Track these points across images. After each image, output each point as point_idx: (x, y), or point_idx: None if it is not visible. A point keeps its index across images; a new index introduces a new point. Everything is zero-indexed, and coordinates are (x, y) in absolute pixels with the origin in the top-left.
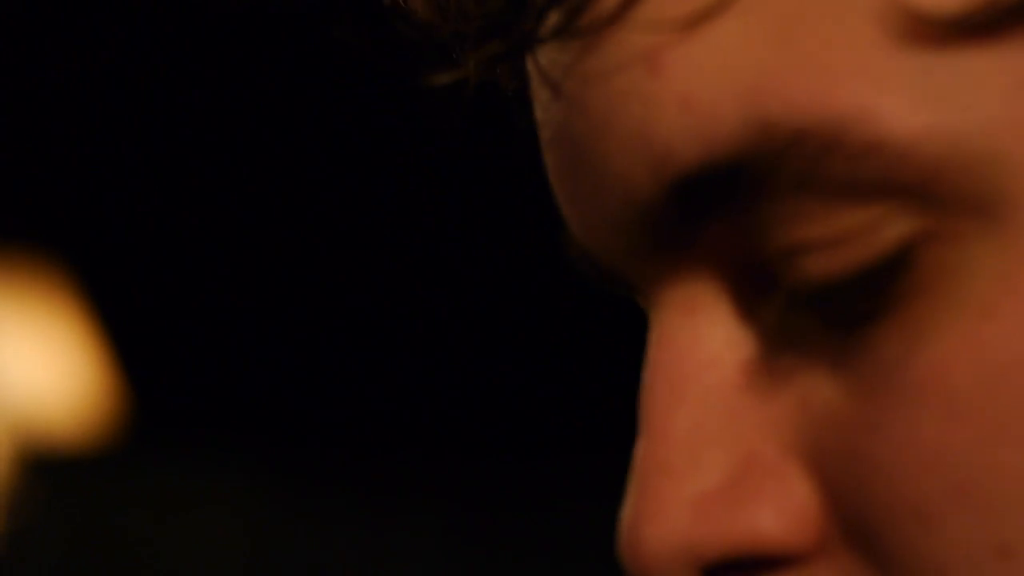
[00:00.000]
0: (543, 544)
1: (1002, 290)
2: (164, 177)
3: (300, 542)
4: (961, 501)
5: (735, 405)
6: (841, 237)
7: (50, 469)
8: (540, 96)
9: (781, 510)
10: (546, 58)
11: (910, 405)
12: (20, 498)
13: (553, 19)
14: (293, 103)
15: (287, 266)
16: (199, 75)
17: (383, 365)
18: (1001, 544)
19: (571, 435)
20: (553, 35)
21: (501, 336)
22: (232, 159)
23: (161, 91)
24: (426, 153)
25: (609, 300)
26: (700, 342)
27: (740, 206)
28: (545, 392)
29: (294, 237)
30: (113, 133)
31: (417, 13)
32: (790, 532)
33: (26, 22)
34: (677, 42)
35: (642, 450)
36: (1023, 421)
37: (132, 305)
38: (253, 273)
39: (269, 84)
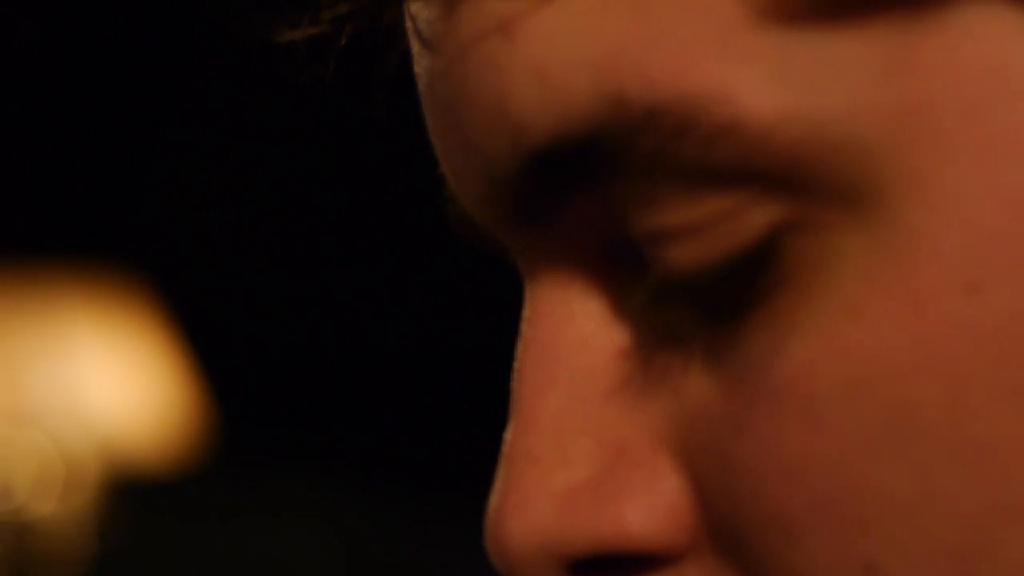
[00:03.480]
0: None
1: (870, 289)
2: (246, 190)
3: (395, 547)
4: (823, 515)
5: (607, 391)
6: (702, 224)
7: (138, 490)
8: (412, 46)
9: (649, 506)
10: (414, 8)
11: (773, 409)
12: (109, 520)
13: None
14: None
15: (371, 273)
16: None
17: (477, 369)
18: (866, 561)
19: None
20: None
21: None
22: (315, 173)
23: (229, 108)
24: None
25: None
26: (573, 321)
27: (598, 184)
28: None
29: (373, 248)
30: (193, 149)
31: None
32: (658, 530)
33: (110, 48)
34: (533, 8)
35: (510, 435)
36: (886, 435)
37: (215, 321)
38: (336, 283)
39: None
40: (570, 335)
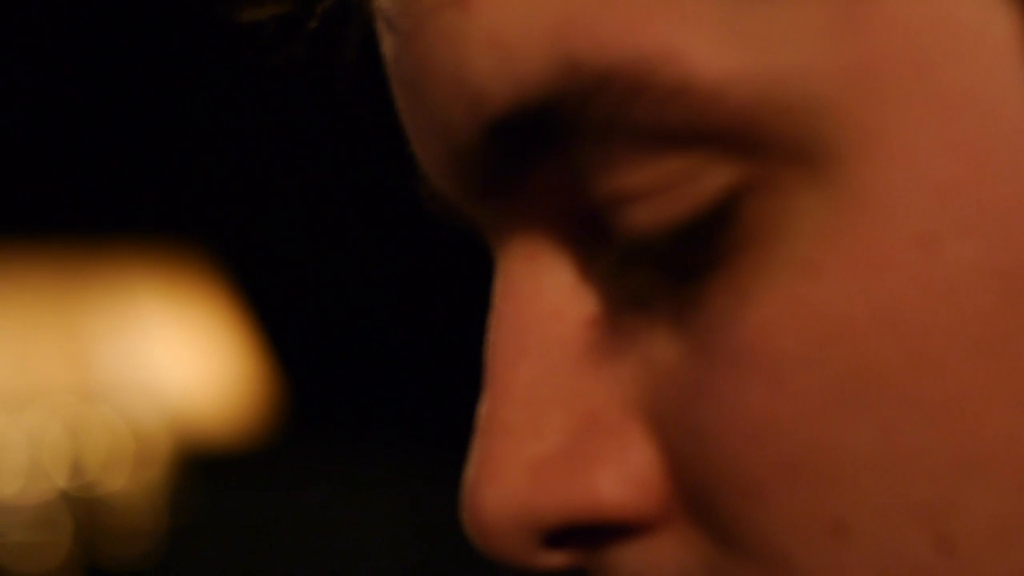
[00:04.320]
0: None
1: (827, 247)
2: (313, 164)
3: None
4: (789, 476)
5: (578, 360)
6: (660, 186)
7: (208, 464)
8: (378, 27)
9: (621, 475)
10: None
11: (736, 371)
12: (179, 494)
13: None
14: None
15: (439, 242)
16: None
17: None
18: (834, 520)
19: None
20: None
21: None
22: (384, 146)
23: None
24: None
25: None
26: (542, 293)
27: (558, 151)
28: None
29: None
30: (262, 124)
31: None
32: (630, 498)
33: (173, 27)
34: None
35: (485, 407)
36: (849, 393)
37: (283, 294)
38: (405, 253)
39: None
40: (540, 307)
